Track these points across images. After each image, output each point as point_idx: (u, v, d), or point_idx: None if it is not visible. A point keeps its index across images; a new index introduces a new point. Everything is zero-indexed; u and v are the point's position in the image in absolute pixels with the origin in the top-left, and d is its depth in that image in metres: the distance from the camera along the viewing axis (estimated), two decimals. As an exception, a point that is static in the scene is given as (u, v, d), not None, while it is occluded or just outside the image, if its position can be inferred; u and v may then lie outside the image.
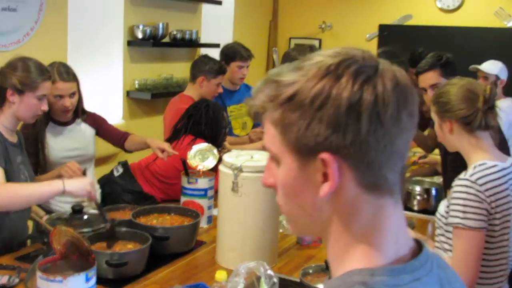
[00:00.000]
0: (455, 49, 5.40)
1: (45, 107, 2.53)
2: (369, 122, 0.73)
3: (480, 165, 2.02)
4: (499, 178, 2.01)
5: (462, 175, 2.04)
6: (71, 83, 2.85)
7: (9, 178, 2.41)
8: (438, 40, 6.06)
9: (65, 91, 2.83)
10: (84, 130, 3.09)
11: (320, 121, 0.73)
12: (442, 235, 2.16)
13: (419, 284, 0.77)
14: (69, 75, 2.85)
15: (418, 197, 3.26)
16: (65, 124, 2.99)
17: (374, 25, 6.58)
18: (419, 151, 4.23)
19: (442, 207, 2.16)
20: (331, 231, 0.80)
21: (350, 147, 0.73)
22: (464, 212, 1.96)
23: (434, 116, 2.19)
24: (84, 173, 2.70)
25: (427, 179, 3.43)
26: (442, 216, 2.13)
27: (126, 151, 3.28)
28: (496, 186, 2.00)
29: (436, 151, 3.43)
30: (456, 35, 6.11)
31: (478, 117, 2.03)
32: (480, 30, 6.03)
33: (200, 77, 3.82)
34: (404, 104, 0.76)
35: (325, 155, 0.74)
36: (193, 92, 3.87)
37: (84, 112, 3.09)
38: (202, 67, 3.84)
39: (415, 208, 3.24)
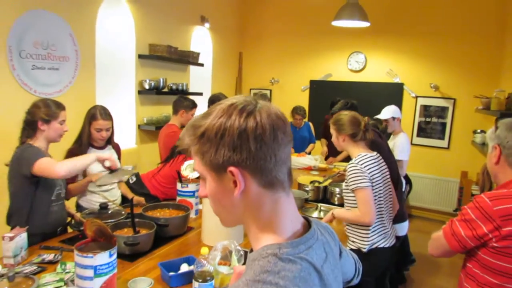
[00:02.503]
0: (360, 97, 5.58)
1: (66, 129, 2.43)
2: (255, 142, 0.73)
3: (359, 155, 2.38)
4: (370, 160, 2.36)
5: (350, 162, 2.37)
6: (108, 121, 2.79)
7: (49, 182, 2.34)
8: (349, 91, 6.24)
9: (103, 126, 2.77)
10: (113, 152, 2.99)
11: (224, 147, 0.74)
12: (345, 200, 2.47)
13: (311, 250, 0.78)
14: (107, 115, 2.79)
15: (337, 195, 3.32)
16: (101, 148, 2.90)
17: (307, 80, 6.72)
18: (341, 166, 4.28)
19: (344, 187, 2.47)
20: (247, 221, 0.80)
21: (247, 160, 0.74)
22: (355, 179, 2.30)
23: (332, 131, 2.49)
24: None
25: (343, 184, 3.47)
26: (344, 190, 2.46)
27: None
28: (369, 165, 2.34)
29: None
30: (361, 88, 6.28)
31: (360, 133, 2.41)
32: (377, 84, 6.22)
33: (181, 110, 3.86)
34: (277, 127, 0.76)
35: (231, 168, 0.74)
36: (175, 121, 3.91)
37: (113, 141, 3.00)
38: (181, 104, 3.88)
39: (336, 203, 3.30)
